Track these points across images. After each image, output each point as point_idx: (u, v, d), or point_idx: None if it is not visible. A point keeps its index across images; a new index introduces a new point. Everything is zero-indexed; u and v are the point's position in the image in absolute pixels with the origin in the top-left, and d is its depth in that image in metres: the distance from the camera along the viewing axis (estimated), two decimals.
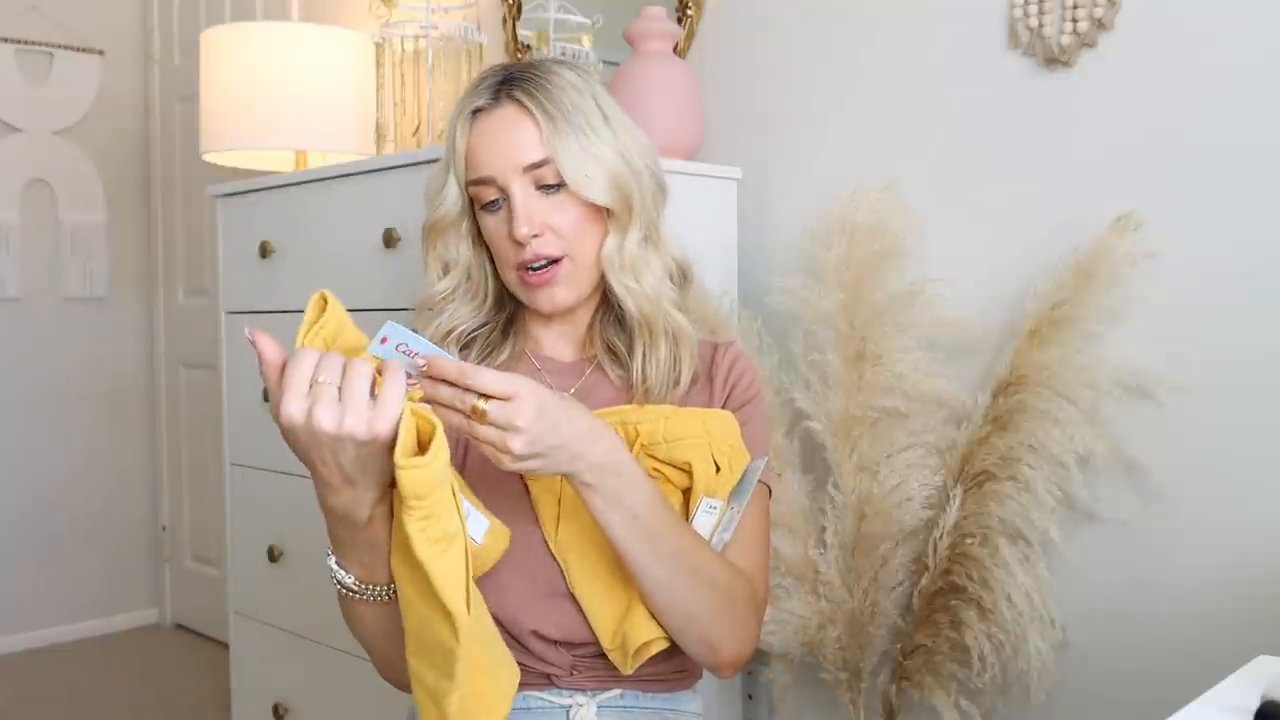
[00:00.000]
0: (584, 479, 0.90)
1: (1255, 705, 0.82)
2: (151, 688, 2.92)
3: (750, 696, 1.86)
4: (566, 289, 1.04)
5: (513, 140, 1.01)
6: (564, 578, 1.01)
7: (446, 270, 1.09)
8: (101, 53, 3.33)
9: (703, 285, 1.59)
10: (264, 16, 2.93)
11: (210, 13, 3.15)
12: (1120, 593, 1.47)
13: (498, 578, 0.99)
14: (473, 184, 1.04)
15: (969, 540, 1.47)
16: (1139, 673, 1.44)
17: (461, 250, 1.08)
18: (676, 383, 1.07)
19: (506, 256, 1.04)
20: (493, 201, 1.03)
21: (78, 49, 3.27)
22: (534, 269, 1.03)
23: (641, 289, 1.05)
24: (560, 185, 1.02)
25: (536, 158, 1.01)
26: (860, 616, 1.55)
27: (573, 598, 1.00)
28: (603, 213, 1.04)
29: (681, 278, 1.11)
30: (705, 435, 1.02)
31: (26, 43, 3.17)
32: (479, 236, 1.08)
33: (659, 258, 1.07)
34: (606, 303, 1.10)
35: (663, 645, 0.99)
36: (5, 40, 3.13)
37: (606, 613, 1.00)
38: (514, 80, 1.03)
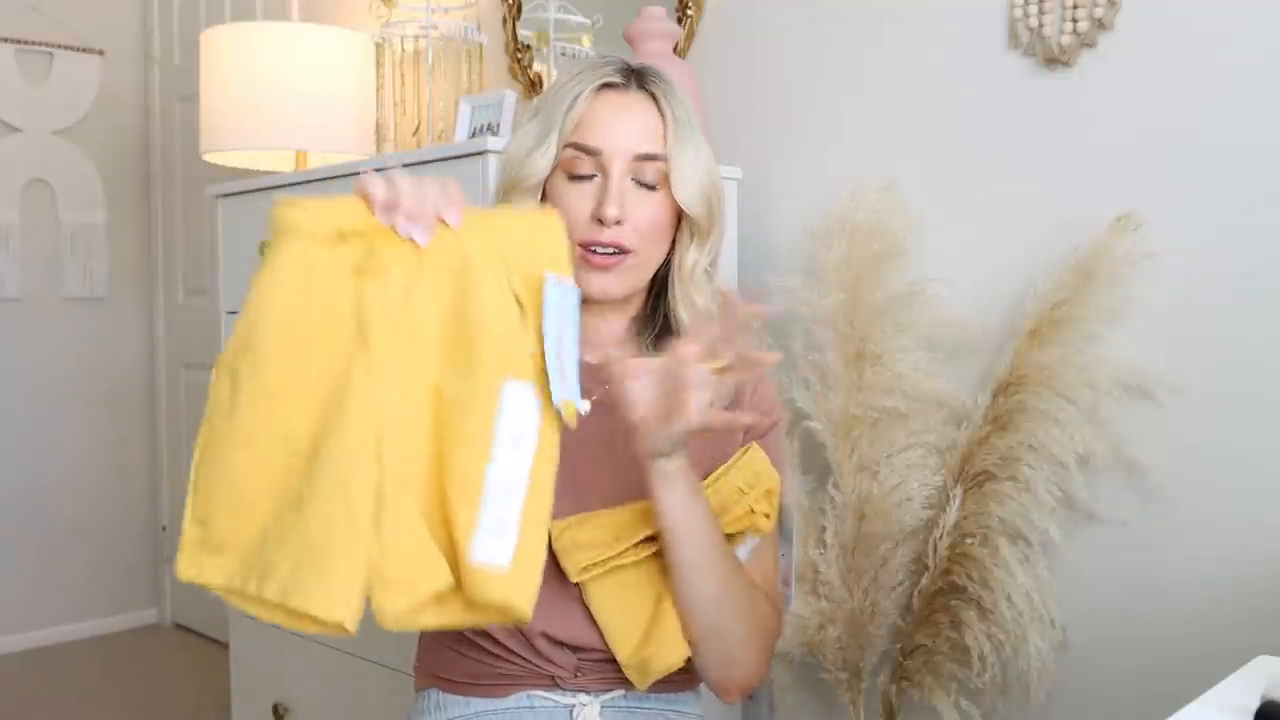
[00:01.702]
0: (675, 468, 0.94)
1: (1255, 705, 0.82)
2: (151, 688, 2.92)
3: (750, 696, 1.86)
4: (621, 281, 1.04)
5: (638, 126, 1.02)
6: (579, 584, 1.01)
7: None
8: (101, 53, 3.33)
9: None
10: (264, 16, 2.93)
11: (210, 13, 3.15)
12: (1120, 592, 1.47)
13: None
14: (574, 147, 1.02)
15: (969, 540, 1.47)
16: (1139, 673, 1.44)
17: None
18: None
19: (574, 230, 1.01)
20: (580, 168, 1.02)
21: (78, 49, 3.27)
22: (601, 252, 1.02)
23: (701, 307, 1.06)
24: (656, 185, 1.03)
25: (653, 150, 1.02)
26: (860, 616, 1.55)
27: (584, 602, 1.01)
28: (675, 227, 1.06)
29: None
30: (741, 495, 1.03)
31: (26, 43, 3.17)
32: (540, 206, 1.06)
33: (713, 288, 1.09)
34: (645, 316, 1.11)
35: (682, 664, 1.01)
36: (5, 40, 3.13)
37: (626, 632, 1.00)
38: (647, 75, 1.05)
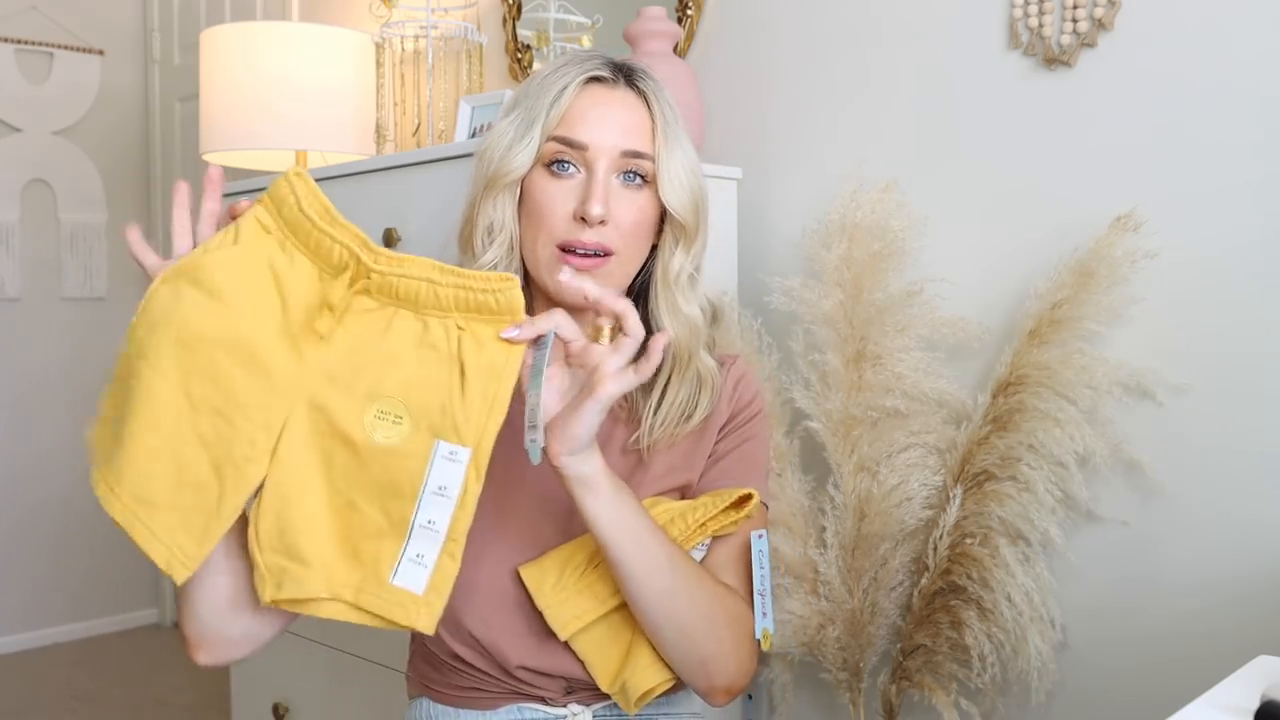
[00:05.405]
0: (593, 470, 0.90)
1: (1255, 705, 0.82)
2: (151, 688, 2.92)
3: (750, 696, 1.86)
4: (602, 284, 0.98)
5: (626, 123, 1.00)
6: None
7: (490, 235, 1.03)
8: (101, 53, 3.33)
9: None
10: (264, 16, 2.93)
11: (210, 13, 3.15)
12: (1120, 592, 1.47)
13: (490, 617, 0.99)
14: (558, 140, 0.99)
15: (969, 540, 1.47)
16: (1139, 672, 1.44)
17: (508, 215, 1.02)
18: (688, 419, 1.05)
19: (554, 229, 0.99)
20: (563, 163, 0.99)
21: (78, 49, 3.27)
22: (583, 253, 0.98)
23: (687, 314, 1.04)
24: (641, 184, 1.01)
25: (642, 148, 1.00)
26: (860, 616, 1.55)
27: (566, 643, 1.00)
28: (657, 229, 1.04)
29: (712, 315, 1.09)
30: (694, 511, 1.02)
31: (26, 43, 3.17)
32: (519, 205, 1.03)
33: (697, 295, 1.06)
34: None
35: (666, 687, 0.99)
36: (5, 40, 3.13)
37: (604, 661, 1.00)
38: (636, 73, 1.03)
